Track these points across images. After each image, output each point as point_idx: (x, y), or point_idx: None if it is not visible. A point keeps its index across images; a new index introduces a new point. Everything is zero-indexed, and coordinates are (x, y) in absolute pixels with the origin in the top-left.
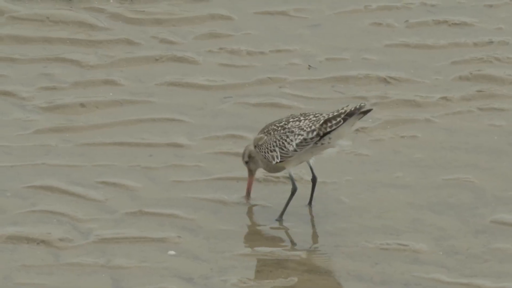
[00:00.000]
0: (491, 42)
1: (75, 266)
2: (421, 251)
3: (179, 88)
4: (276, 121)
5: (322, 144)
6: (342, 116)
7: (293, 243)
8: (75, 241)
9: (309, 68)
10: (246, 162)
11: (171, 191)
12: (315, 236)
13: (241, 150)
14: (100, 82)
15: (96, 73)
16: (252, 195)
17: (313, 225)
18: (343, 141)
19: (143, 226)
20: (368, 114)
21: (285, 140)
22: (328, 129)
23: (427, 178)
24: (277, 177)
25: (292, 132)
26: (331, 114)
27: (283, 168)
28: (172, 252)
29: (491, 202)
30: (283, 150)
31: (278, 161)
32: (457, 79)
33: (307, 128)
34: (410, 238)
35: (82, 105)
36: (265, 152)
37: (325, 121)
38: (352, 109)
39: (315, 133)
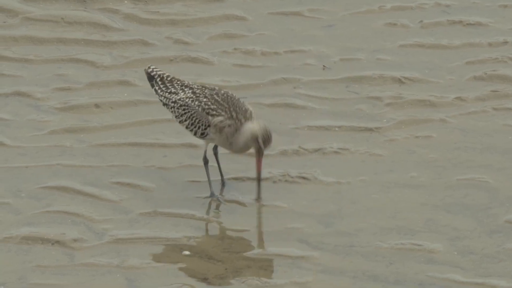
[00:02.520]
0: (506, 42)
1: (90, 267)
2: (436, 251)
3: None
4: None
5: None
6: None
7: (307, 243)
8: (89, 241)
9: (323, 69)
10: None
11: (186, 192)
12: (329, 236)
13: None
14: (114, 82)
15: (110, 73)
16: (264, 196)
17: (328, 225)
18: None
19: (157, 227)
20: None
21: None
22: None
23: (442, 178)
24: (292, 177)
25: None
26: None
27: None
28: (186, 252)
29: (505, 202)
30: None
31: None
32: (471, 79)
33: None
34: (425, 238)
35: (97, 105)
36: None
37: None
38: None
39: None
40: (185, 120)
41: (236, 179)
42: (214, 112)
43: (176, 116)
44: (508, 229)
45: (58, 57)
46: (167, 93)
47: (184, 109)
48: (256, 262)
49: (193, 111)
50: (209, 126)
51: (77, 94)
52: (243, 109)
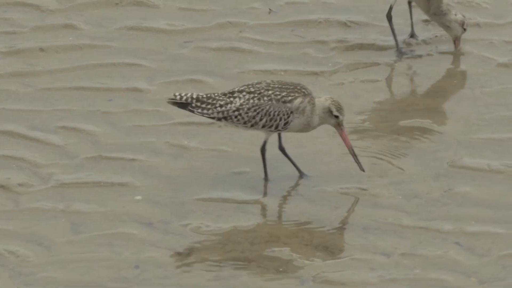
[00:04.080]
0: None
1: (35, 211)
2: (381, 195)
3: (139, 32)
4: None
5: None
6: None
7: (253, 188)
8: (35, 186)
9: (269, 12)
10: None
11: (131, 136)
12: (275, 181)
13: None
14: (59, 26)
15: (56, 17)
16: (211, 140)
17: (274, 170)
18: None
19: (103, 171)
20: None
21: None
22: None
23: (387, 122)
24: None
25: None
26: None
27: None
28: (138, 197)
29: (451, 146)
30: None
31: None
32: (418, 22)
33: None
34: (370, 182)
35: (42, 49)
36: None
37: None
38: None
39: None
40: (261, 119)
41: (180, 124)
42: (289, 97)
43: (245, 122)
44: (453, 173)
45: (3, 1)
46: (218, 108)
47: (255, 110)
48: (201, 207)
49: (267, 107)
50: (291, 112)
51: (22, 38)
52: (300, 85)
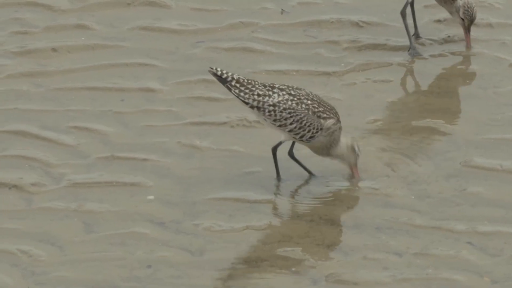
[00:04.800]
0: None
1: (47, 211)
2: (393, 195)
3: (151, 32)
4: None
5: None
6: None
7: (265, 188)
8: (47, 186)
9: (281, 13)
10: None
11: (143, 136)
12: (286, 181)
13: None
14: (71, 26)
15: (67, 17)
16: (223, 140)
17: (286, 170)
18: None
19: (114, 171)
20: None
21: None
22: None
23: (399, 122)
24: (249, 122)
25: None
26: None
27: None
28: (151, 197)
29: (462, 146)
30: None
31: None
32: (429, 23)
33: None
34: (382, 182)
35: (54, 49)
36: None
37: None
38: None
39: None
40: (291, 124)
41: (192, 123)
42: (325, 115)
43: (275, 120)
44: (465, 173)
45: (14, 1)
46: (255, 96)
47: (289, 113)
48: (213, 207)
49: (302, 115)
50: (321, 129)
51: (34, 38)
52: (336, 110)
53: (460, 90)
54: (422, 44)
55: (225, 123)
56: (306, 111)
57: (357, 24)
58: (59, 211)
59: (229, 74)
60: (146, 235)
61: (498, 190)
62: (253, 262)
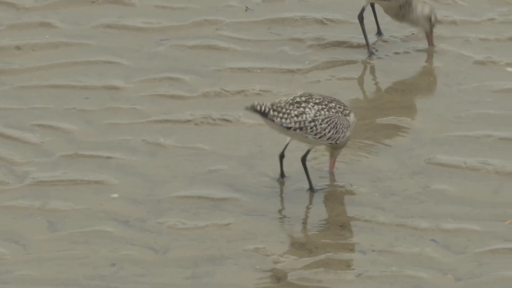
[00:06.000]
0: None
1: (11, 209)
2: (357, 193)
3: (115, 30)
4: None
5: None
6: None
7: (230, 185)
8: (11, 184)
9: (246, 10)
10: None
11: (108, 134)
12: (252, 178)
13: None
14: (36, 24)
15: (31, 15)
16: (187, 138)
17: (250, 167)
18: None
19: (79, 169)
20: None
21: None
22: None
23: (364, 120)
24: (214, 119)
25: None
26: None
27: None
28: (115, 195)
29: (427, 144)
30: None
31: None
32: (393, 21)
33: None
34: (346, 180)
35: (18, 47)
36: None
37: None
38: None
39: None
40: (329, 132)
41: (157, 121)
42: (347, 111)
43: (316, 134)
44: (429, 170)
45: None
46: (294, 118)
47: (327, 122)
48: (178, 205)
49: (336, 119)
50: (348, 126)
51: None
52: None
53: (424, 88)
54: (386, 42)
55: (189, 121)
56: (337, 114)
57: (321, 22)
58: (23, 209)
59: (262, 105)
60: (110, 233)
61: (462, 187)
62: (217, 260)
